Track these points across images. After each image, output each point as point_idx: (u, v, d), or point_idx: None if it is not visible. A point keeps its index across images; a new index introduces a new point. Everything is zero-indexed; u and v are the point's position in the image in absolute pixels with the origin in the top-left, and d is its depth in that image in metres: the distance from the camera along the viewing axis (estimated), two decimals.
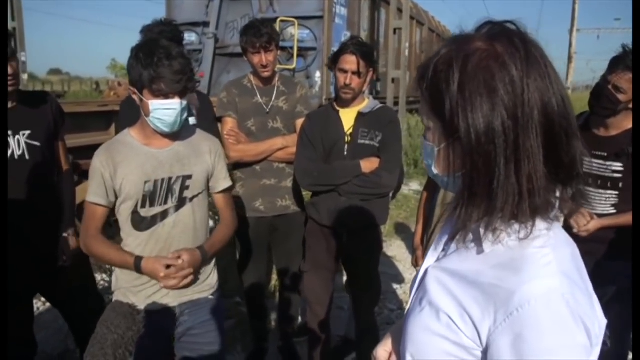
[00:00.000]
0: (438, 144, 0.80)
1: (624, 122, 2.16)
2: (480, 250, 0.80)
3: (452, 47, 0.76)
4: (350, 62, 2.33)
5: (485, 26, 0.77)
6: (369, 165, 2.37)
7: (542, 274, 0.73)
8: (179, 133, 1.77)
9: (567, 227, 2.26)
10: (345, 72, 2.34)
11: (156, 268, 1.68)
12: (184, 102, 1.68)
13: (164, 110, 1.64)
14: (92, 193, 1.72)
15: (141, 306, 1.77)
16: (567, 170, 0.75)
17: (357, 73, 2.33)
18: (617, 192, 2.18)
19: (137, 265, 1.69)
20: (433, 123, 0.79)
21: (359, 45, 2.37)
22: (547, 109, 0.72)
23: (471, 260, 0.81)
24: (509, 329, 0.70)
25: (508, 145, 0.71)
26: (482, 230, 0.78)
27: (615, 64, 2.08)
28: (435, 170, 0.84)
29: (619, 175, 2.16)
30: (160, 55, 1.59)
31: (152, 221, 1.74)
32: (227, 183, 1.92)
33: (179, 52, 1.64)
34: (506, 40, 0.74)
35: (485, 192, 0.73)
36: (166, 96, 1.63)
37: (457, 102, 0.72)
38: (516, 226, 0.75)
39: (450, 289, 0.81)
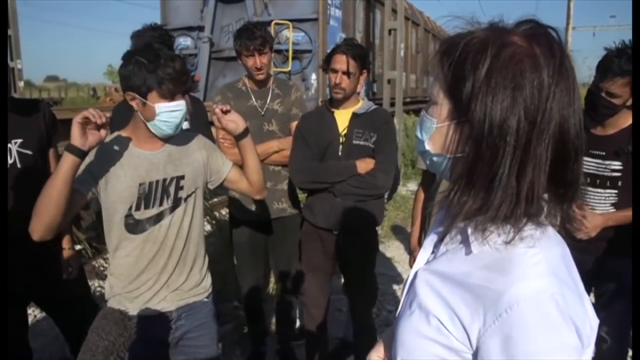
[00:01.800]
0: (441, 121, 0.78)
1: (621, 121, 2.15)
2: (468, 251, 0.79)
3: (488, 32, 0.75)
4: (340, 61, 2.36)
5: (526, 23, 0.75)
6: (364, 165, 2.37)
7: (531, 274, 0.71)
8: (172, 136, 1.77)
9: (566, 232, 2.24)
10: (336, 71, 2.37)
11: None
12: (185, 102, 1.70)
13: (171, 112, 1.65)
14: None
15: (137, 312, 1.75)
16: (568, 188, 0.75)
17: (347, 73, 2.35)
18: (616, 191, 2.16)
19: (70, 147, 1.48)
20: (444, 100, 0.78)
21: (351, 46, 2.40)
22: (565, 124, 0.71)
23: (460, 262, 0.80)
24: (498, 331, 0.69)
25: (518, 147, 0.70)
26: (470, 230, 0.77)
27: (605, 71, 2.04)
28: (427, 146, 0.82)
29: (618, 174, 2.14)
30: (165, 57, 1.62)
31: (147, 223, 1.73)
32: (229, 164, 1.92)
33: (175, 54, 1.68)
34: (545, 44, 0.72)
35: (484, 187, 0.72)
36: (172, 97, 1.64)
37: (480, 87, 0.71)
38: (506, 227, 0.74)
39: (439, 292, 0.79)
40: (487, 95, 0.71)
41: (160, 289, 1.78)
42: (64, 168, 1.49)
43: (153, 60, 1.60)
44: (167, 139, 1.77)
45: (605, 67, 2.04)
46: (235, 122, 1.82)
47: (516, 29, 0.75)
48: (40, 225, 1.53)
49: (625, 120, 2.15)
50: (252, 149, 1.89)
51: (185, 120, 2.48)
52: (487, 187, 0.72)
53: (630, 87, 2.02)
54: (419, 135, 0.84)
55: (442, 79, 0.78)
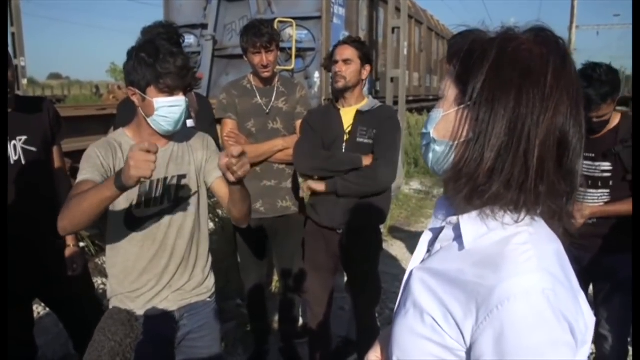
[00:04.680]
0: (447, 109, 0.80)
1: (612, 120, 2.22)
2: (461, 248, 0.79)
3: (497, 34, 0.78)
4: (339, 52, 2.42)
5: (535, 29, 0.78)
6: (369, 160, 2.37)
7: (522, 270, 0.71)
8: (174, 133, 1.76)
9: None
10: (337, 62, 2.41)
11: (139, 150, 1.34)
12: (187, 100, 1.67)
13: (169, 107, 1.62)
14: (86, 171, 1.60)
15: (140, 312, 1.73)
16: (565, 183, 0.76)
17: (346, 60, 2.39)
18: (608, 190, 2.23)
19: (118, 178, 1.39)
20: (451, 87, 0.80)
21: (349, 38, 2.50)
22: (566, 115, 0.73)
23: (453, 259, 0.80)
24: (490, 328, 0.69)
25: (522, 130, 0.72)
26: (462, 218, 0.78)
27: (587, 105, 2.08)
28: (432, 134, 0.82)
29: (609, 175, 2.22)
30: (164, 52, 1.60)
31: (147, 222, 1.72)
32: (218, 173, 1.77)
33: (179, 50, 1.65)
34: (553, 45, 0.75)
35: (489, 165, 0.73)
36: (171, 93, 1.62)
37: (487, 71, 0.74)
38: (505, 216, 0.75)
39: (433, 290, 0.80)
40: (494, 79, 0.73)
41: (162, 290, 1.76)
42: (106, 196, 1.43)
43: (152, 55, 1.59)
44: (171, 137, 1.75)
45: (586, 101, 2.12)
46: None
47: (525, 33, 0.77)
48: (72, 227, 1.56)
49: (612, 121, 2.22)
50: (244, 197, 1.66)
51: (191, 118, 2.48)
52: (492, 167, 0.73)
53: (613, 100, 2.13)
54: (424, 130, 0.85)
55: (452, 72, 0.80)
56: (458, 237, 0.80)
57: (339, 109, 2.47)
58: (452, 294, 0.76)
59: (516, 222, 0.75)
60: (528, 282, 0.69)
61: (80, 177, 1.61)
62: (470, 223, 0.79)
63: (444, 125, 0.80)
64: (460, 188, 0.76)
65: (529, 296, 0.68)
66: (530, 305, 0.68)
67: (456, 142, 0.78)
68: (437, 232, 0.89)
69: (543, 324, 0.67)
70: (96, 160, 1.63)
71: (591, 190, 2.24)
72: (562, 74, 0.73)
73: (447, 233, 0.85)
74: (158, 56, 1.58)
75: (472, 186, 0.75)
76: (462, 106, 0.77)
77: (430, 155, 0.83)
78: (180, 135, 1.79)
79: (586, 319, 0.73)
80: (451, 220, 0.84)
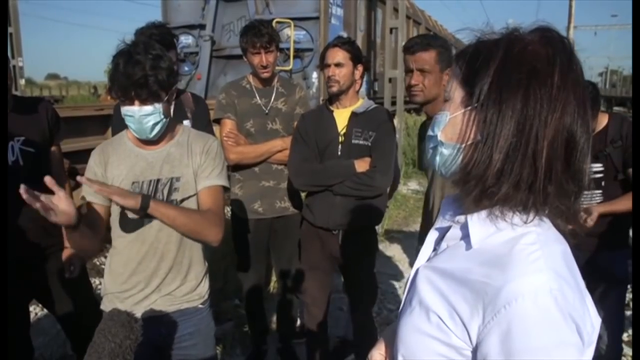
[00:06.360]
0: (454, 111, 0.81)
1: (596, 124, 2.30)
2: (468, 247, 0.80)
3: (502, 35, 0.78)
4: (330, 55, 2.40)
5: (540, 30, 0.78)
6: (362, 165, 2.36)
7: (530, 270, 0.72)
8: (173, 134, 1.75)
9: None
10: (328, 65, 2.39)
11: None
12: (146, 109, 1.59)
13: (126, 116, 1.61)
14: (86, 191, 1.71)
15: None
16: (572, 182, 0.76)
17: (338, 64, 2.37)
18: (600, 191, 2.30)
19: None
20: (457, 89, 0.80)
21: (339, 40, 2.46)
22: (574, 119, 0.73)
23: (460, 258, 0.81)
24: (497, 327, 0.69)
25: (530, 131, 0.72)
26: (470, 217, 0.78)
27: None
28: (440, 137, 0.82)
29: (601, 175, 2.29)
30: (118, 61, 1.56)
31: (139, 223, 1.70)
32: (206, 183, 1.74)
33: (147, 57, 1.56)
34: (559, 45, 0.75)
35: (499, 168, 0.74)
36: (126, 102, 1.59)
37: (493, 72, 0.74)
38: (514, 216, 0.75)
39: (439, 289, 0.80)
40: (501, 81, 0.73)
41: (151, 293, 1.74)
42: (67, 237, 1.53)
43: (114, 62, 1.57)
44: (170, 138, 1.75)
45: None
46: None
47: (530, 33, 0.77)
48: (91, 253, 1.62)
49: (600, 122, 2.30)
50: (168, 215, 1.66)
51: (187, 118, 2.48)
52: (502, 168, 0.74)
53: (597, 109, 2.25)
54: (431, 132, 0.85)
55: (457, 74, 0.81)
56: (465, 237, 0.81)
57: (332, 111, 2.46)
58: (458, 292, 0.76)
59: (525, 222, 0.75)
60: (536, 282, 0.70)
61: (84, 192, 1.71)
62: (479, 223, 0.79)
63: (451, 128, 0.80)
64: (469, 190, 0.77)
65: (537, 296, 0.68)
66: (537, 305, 0.68)
67: (464, 145, 0.78)
68: (443, 231, 0.89)
69: (550, 325, 0.67)
70: (91, 172, 1.71)
71: (585, 192, 2.27)
72: (568, 74, 0.73)
73: (455, 232, 0.85)
74: (117, 64, 1.56)
75: (481, 188, 0.75)
76: (469, 108, 0.77)
77: (438, 158, 0.83)
78: (181, 135, 1.78)
79: (592, 320, 0.74)
80: (459, 220, 0.84)
